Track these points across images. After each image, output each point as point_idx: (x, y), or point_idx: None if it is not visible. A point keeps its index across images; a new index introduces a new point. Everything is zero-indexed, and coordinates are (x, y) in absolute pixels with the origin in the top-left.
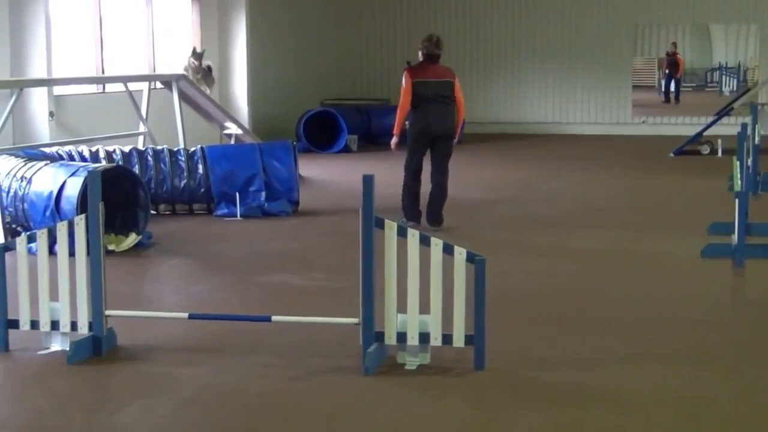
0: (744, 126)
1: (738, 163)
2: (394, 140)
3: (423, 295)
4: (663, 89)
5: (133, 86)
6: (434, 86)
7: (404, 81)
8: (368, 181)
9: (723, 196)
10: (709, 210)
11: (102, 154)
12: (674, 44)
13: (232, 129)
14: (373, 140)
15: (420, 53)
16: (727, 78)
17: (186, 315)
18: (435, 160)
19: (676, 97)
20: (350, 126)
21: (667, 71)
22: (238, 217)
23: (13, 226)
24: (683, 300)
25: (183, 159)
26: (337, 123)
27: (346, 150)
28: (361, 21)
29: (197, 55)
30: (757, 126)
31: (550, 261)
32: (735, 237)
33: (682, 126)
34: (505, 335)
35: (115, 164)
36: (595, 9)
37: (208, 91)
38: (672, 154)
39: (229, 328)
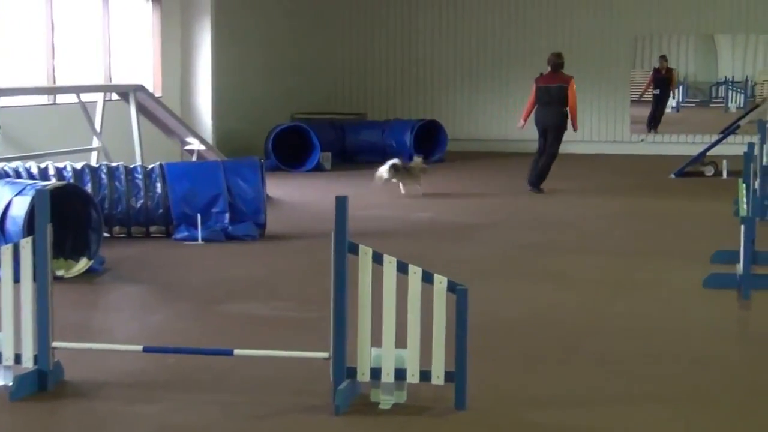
0: (751, 145)
1: (744, 185)
2: (519, 123)
3: (400, 328)
4: (650, 114)
5: (86, 97)
6: (546, 91)
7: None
8: (341, 202)
9: (728, 221)
10: (712, 236)
11: (52, 171)
12: (664, 58)
13: (194, 145)
14: (348, 158)
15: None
16: (734, 93)
17: (140, 348)
18: (545, 144)
19: (652, 124)
20: (323, 142)
21: (656, 92)
22: (200, 241)
23: None
24: (684, 334)
25: (140, 177)
26: (309, 139)
27: (318, 168)
28: (335, 31)
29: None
30: (765, 146)
31: (540, 290)
32: (740, 266)
33: (684, 145)
34: (489, 372)
35: (65, 182)
36: (592, 19)
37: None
38: (673, 176)
39: (188, 362)
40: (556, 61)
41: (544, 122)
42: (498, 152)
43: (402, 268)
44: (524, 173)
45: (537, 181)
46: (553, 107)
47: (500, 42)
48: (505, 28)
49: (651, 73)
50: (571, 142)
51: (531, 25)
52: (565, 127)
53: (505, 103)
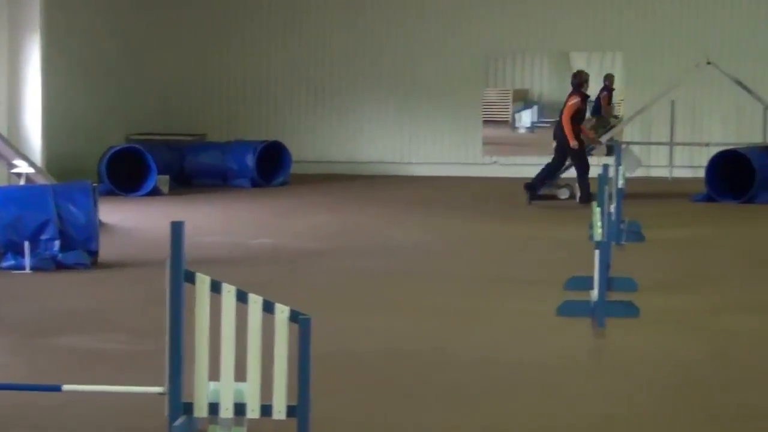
0: (605, 167)
1: (599, 209)
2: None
3: (240, 360)
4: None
5: None
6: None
7: None
8: (177, 228)
9: (583, 246)
10: (567, 262)
11: None
12: (611, 77)
13: (22, 167)
14: (187, 181)
15: None
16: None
17: None
18: (555, 157)
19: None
20: (160, 165)
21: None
22: (27, 270)
23: None
24: (536, 365)
25: None
26: (145, 162)
27: (155, 192)
28: (173, 51)
29: None
30: (620, 168)
31: (388, 320)
32: (595, 293)
33: (538, 167)
34: (333, 405)
35: None
36: (442, 37)
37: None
38: (527, 198)
39: (12, 399)
40: (572, 81)
41: (554, 137)
42: (345, 174)
43: (241, 297)
44: (371, 195)
45: (531, 185)
46: (559, 124)
47: (346, 62)
48: (351, 49)
49: (605, 92)
50: (421, 164)
51: (378, 45)
52: (568, 144)
53: (352, 124)
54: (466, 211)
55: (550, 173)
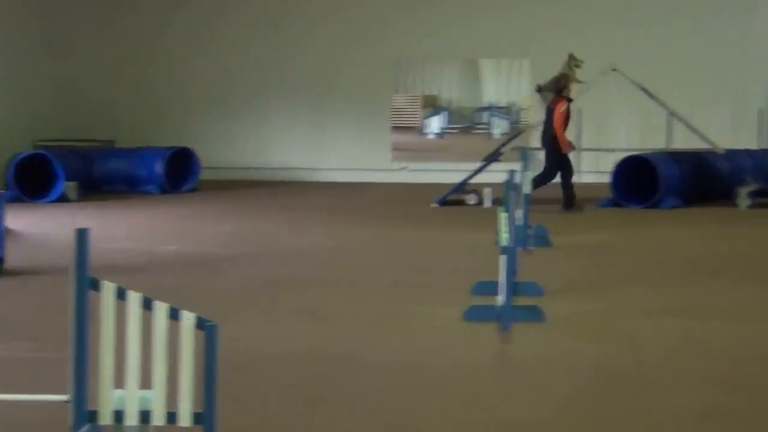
0: (512, 173)
1: (505, 214)
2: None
3: (146, 368)
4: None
5: None
6: (545, 112)
7: None
8: (82, 235)
9: (490, 251)
10: (474, 267)
11: None
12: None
13: None
14: (95, 188)
15: None
16: (498, 119)
17: None
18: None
19: None
20: (68, 171)
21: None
22: None
23: None
24: (442, 369)
25: None
26: (53, 168)
27: (63, 199)
28: (80, 55)
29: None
30: (527, 173)
31: (297, 326)
32: (501, 298)
33: (447, 173)
34: (241, 411)
35: None
36: (351, 43)
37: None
38: (435, 204)
39: None
40: (549, 86)
41: (542, 144)
42: (257, 181)
43: (147, 304)
44: (282, 202)
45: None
46: (545, 128)
47: (258, 68)
48: (263, 55)
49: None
50: (330, 170)
51: (290, 51)
52: (556, 149)
53: (264, 130)
54: (376, 217)
55: (544, 179)
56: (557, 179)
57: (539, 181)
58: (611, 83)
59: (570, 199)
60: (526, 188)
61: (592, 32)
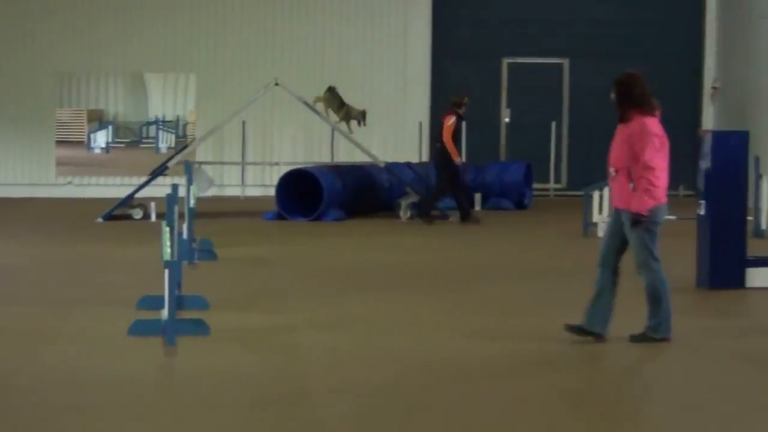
0: (175, 187)
1: (168, 228)
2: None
3: None
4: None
5: None
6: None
7: None
8: None
9: (157, 265)
10: (141, 281)
11: None
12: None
13: None
14: None
15: None
16: (165, 133)
17: None
18: None
19: None
20: None
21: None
22: None
23: None
24: (108, 386)
25: None
26: None
27: None
28: None
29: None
30: (192, 187)
31: None
32: (165, 311)
33: (113, 187)
34: None
35: None
36: (12, 53)
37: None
38: (101, 219)
39: None
40: (451, 100)
41: (431, 159)
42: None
43: None
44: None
45: (424, 209)
46: (435, 143)
47: None
48: None
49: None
50: None
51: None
52: (444, 163)
53: None
54: (38, 232)
55: (437, 195)
56: (145, 192)
57: (435, 196)
58: (275, 98)
59: (467, 210)
60: (192, 202)
61: (255, 48)
